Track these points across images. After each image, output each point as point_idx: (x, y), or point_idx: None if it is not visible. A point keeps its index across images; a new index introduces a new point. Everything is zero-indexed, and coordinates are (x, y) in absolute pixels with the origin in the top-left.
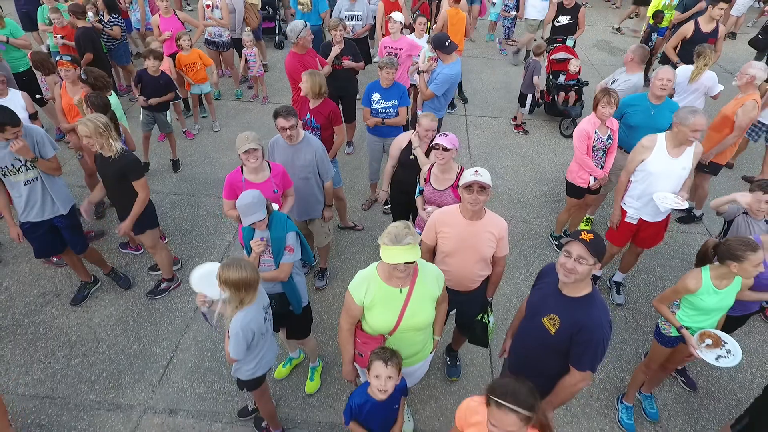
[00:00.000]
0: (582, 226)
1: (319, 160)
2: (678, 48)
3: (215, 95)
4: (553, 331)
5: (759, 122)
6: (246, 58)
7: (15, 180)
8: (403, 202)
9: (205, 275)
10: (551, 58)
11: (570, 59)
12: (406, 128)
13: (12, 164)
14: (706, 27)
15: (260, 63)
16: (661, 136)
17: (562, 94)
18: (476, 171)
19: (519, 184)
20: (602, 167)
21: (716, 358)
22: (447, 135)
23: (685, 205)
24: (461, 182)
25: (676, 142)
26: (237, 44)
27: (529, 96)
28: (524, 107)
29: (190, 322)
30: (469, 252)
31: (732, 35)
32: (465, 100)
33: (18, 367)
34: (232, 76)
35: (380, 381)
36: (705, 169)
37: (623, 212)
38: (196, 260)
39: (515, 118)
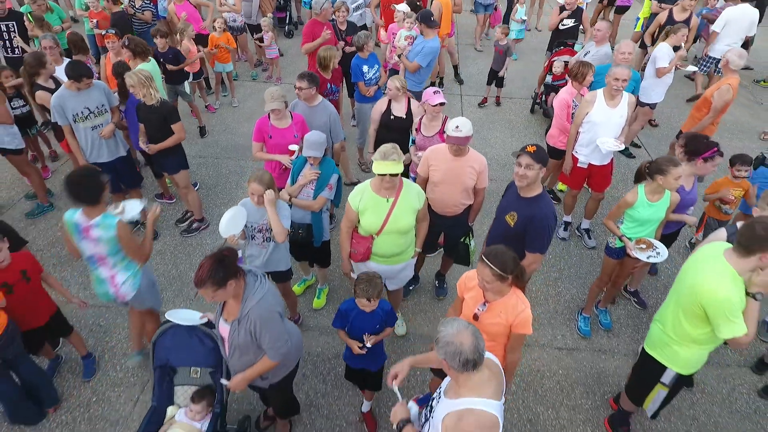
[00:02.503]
0: (560, 187)
1: (332, 122)
2: (655, 34)
3: (233, 76)
4: (512, 224)
5: (707, 56)
6: (261, 42)
7: (84, 126)
8: None
9: (228, 222)
10: (552, 60)
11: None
12: None
13: (82, 112)
14: (678, 16)
15: (276, 45)
16: (599, 92)
17: (553, 94)
18: (456, 127)
19: (506, 151)
20: None
21: (647, 257)
22: (439, 91)
23: (622, 147)
24: (446, 133)
25: (609, 95)
26: (253, 30)
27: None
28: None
29: None
30: (454, 182)
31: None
32: (461, 82)
33: (77, 285)
34: (247, 60)
35: (367, 308)
36: None
37: (575, 159)
38: (221, 208)
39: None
